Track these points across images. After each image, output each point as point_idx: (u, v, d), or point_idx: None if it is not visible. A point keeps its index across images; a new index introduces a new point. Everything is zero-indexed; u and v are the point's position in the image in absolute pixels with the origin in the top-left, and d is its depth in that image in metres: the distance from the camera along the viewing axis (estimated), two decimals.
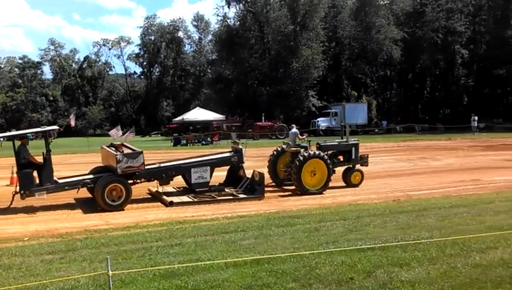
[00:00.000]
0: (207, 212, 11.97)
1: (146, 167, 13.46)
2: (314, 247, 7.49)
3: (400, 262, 6.39)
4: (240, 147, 15.46)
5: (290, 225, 9.72)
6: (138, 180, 13.63)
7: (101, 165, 14.53)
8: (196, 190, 14.03)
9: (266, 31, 54.66)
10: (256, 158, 20.59)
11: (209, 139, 37.55)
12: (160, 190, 14.35)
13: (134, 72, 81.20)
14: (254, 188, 14.14)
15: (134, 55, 77.14)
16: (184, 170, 14.21)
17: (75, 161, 22.61)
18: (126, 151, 13.58)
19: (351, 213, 10.93)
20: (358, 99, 57.00)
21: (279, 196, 14.70)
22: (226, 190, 14.45)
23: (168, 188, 14.79)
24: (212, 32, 70.50)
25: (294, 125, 17.38)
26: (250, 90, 52.39)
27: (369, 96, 59.68)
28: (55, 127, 16.17)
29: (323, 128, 46.85)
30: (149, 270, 6.49)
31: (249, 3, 55.71)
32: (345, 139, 16.73)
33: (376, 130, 49.30)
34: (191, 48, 77.34)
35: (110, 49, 78.45)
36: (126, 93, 78.53)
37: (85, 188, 13.35)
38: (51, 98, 77.49)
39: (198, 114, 45.11)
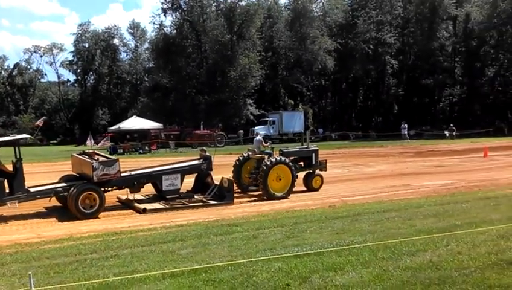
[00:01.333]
0: (144, 222, 11.77)
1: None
2: (252, 254, 7.55)
3: (335, 267, 6.54)
4: (208, 154, 15.82)
5: (228, 233, 9.73)
6: (109, 188, 13.70)
7: (71, 173, 14.53)
8: (167, 197, 14.31)
9: (203, 40, 54.53)
10: None
11: (146, 148, 36.88)
12: (131, 197, 14.43)
13: (68, 79, 78.28)
14: (223, 195, 14.55)
15: (67, 63, 74.39)
16: (155, 178, 14.48)
17: None
18: (101, 159, 13.70)
19: (288, 220, 11.09)
20: (295, 108, 58.03)
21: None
22: (196, 197, 14.79)
23: (137, 196, 14.84)
24: (148, 40, 69.42)
25: (259, 133, 18.47)
26: (188, 99, 52.00)
27: (306, 105, 60.81)
28: (26, 135, 15.90)
29: (262, 136, 47.21)
30: (82, 284, 6.29)
31: (185, 12, 55.40)
32: (306, 146, 17.58)
33: (312, 138, 50.25)
34: (127, 55, 75.74)
35: (41, 56, 75.22)
36: (59, 101, 75.60)
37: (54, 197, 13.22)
38: None
39: (135, 123, 44.17)
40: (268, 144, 17.49)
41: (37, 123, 20.82)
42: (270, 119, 49.92)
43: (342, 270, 6.36)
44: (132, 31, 74.90)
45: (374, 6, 58.64)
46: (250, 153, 16.74)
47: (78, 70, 73.83)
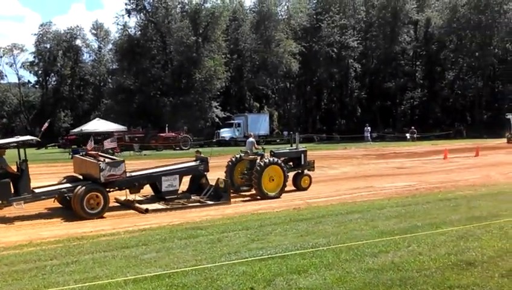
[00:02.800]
0: (106, 227, 11.55)
1: None
2: (217, 258, 7.50)
3: (299, 269, 6.56)
4: (204, 156, 16.23)
5: (192, 237, 9.64)
6: (111, 189, 13.91)
7: (72, 174, 14.77)
8: (166, 197, 14.63)
9: (168, 42, 54.11)
10: None
11: (110, 151, 36.20)
12: (131, 198, 14.70)
13: (29, 81, 76.22)
14: (219, 195, 14.92)
15: (28, 64, 72.46)
16: (155, 179, 14.82)
17: None
18: (107, 160, 14.01)
19: (253, 222, 11.07)
20: (260, 111, 58.27)
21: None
22: (193, 197, 15.11)
23: (131, 197, 14.99)
24: (112, 42, 68.35)
25: (251, 134, 19.01)
26: (153, 101, 51.50)
27: (271, 108, 61.22)
28: (31, 137, 15.91)
29: (227, 138, 47.29)
30: None
31: (149, 13, 54.85)
32: (295, 147, 18.23)
33: (278, 140, 50.64)
34: (90, 56, 74.30)
35: (1, 57, 73.04)
36: (20, 103, 73.51)
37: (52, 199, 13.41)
38: None
39: (98, 125, 43.33)
40: (260, 145, 18.02)
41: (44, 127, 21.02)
42: (236, 121, 49.97)
43: (305, 273, 6.38)
44: (95, 32, 73.62)
45: (337, 10, 59.51)
46: (242, 155, 17.18)
47: (39, 72, 72.01)
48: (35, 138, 15.59)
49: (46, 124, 19.91)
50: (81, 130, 42.80)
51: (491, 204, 11.96)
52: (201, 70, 50.54)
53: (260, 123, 50.90)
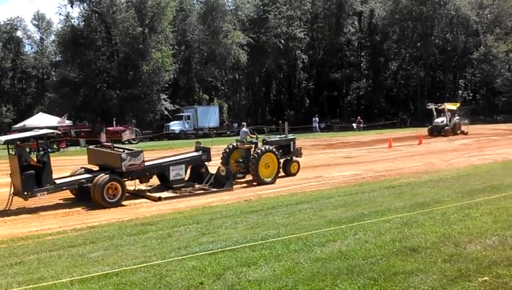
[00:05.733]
0: (52, 226, 11.24)
1: None
2: (166, 254, 7.42)
3: (249, 262, 6.57)
4: (205, 146, 17.11)
5: (142, 233, 9.52)
6: (125, 179, 14.43)
7: (86, 166, 15.59)
8: (174, 186, 15.44)
9: (113, 33, 52.72)
10: None
11: (55, 146, 35.01)
12: (143, 187, 15.60)
13: None
14: (220, 182, 15.74)
15: None
16: (164, 169, 15.55)
17: None
18: (126, 150, 14.87)
19: (204, 216, 11.04)
20: (210, 103, 57.97)
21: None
22: (196, 186, 15.96)
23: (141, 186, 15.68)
24: (55, 33, 65.98)
25: (245, 124, 19.98)
26: (99, 94, 50.10)
27: (220, 100, 61.00)
28: (52, 130, 17.09)
29: (177, 131, 46.81)
30: None
31: (93, 3, 53.17)
32: (285, 135, 19.25)
33: (228, 133, 50.58)
34: (31, 48, 71.49)
35: None
36: None
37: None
38: None
39: (41, 120, 41.70)
40: (255, 134, 18.71)
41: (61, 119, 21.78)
42: (185, 114, 49.50)
43: (255, 265, 6.40)
44: (37, 23, 70.90)
45: (284, 2, 59.95)
46: (238, 143, 17.98)
47: None
48: (55, 131, 17.04)
49: (64, 117, 20.41)
50: (24, 125, 41.14)
51: (434, 191, 12.35)
52: (148, 62, 49.59)
53: (210, 115, 50.63)
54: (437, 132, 35.39)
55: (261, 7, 61.07)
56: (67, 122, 40.76)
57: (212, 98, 60.35)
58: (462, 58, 61.99)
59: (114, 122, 42.22)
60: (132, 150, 15.17)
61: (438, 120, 36.14)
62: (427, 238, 7.31)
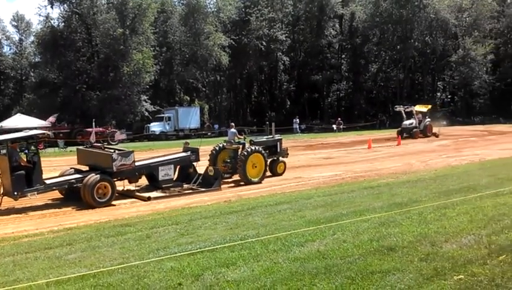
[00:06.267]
0: (29, 227, 11.07)
1: None
2: (144, 255, 7.38)
3: (227, 262, 6.57)
4: (194, 147, 17.20)
5: (120, 234, 9.43)
6: (115, 179, 14.43)
7: (75, 166, 15.62)
8: (163, 186, 15.45)
9: (94, 34, 52.21)
10: None
11: (33, 147, 34.42)
12: (132, 187, 15.55)
13: None
14: (209, 182, 15.85)
15: None
16: (153, 169, 15.64)
17: None
18: (117, 151, 14.87)
19: (183, 217, 10.99)
20: (191, 104, 57.77)
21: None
22: (185, 185, 16.02)
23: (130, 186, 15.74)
24: (34, 33, 65.01)
25: (233, 124, 20.23)
26: (79, 95, 49.54)
27: (201, 101, 60.82)
28: (43, 131, 17.00)
29: (158, 132, 46.56)
30: None
31: (73, 4, 52.58)
32: (272, 136, 19.46)
33: (209, 134, 50.47)
34: (10, 49, 70.32)
35: None
36: None
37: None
38: None
39: (19, 121, 40.99)
40: (242, 135, 18.85)
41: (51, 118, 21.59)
42: (166, 115, 49.28)
43: (234, 266, 6.41)
44: (16, 24, 69.82)
45: (265, 4, 60.07)
46: (226, 144, 18.17)
47: None
48: (46, 132, 16.72)
49: (52, 117, 20.19)
50: (1, 126, 40.47)
51: (412, 191, 12.50)
52: (129, 63, 49.20)
53: (191, 116, 50.48)
54: (406, 133, 35.48)
55: (243, 9, 61.14)
56: (45, 123, 40.23)
57: (193, 100, 60.14)
58: (440, 61, 62.79)
59: (94, 124, 41.78)
60: (123, 150, 15.20)
61: (407, 122, 36.27)
62: (404, 238, 7.40)
